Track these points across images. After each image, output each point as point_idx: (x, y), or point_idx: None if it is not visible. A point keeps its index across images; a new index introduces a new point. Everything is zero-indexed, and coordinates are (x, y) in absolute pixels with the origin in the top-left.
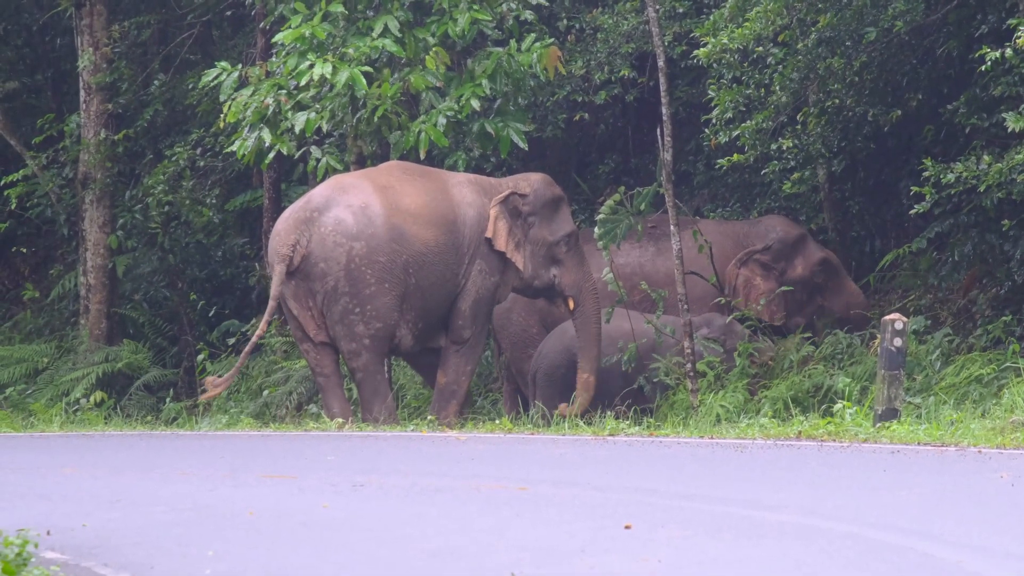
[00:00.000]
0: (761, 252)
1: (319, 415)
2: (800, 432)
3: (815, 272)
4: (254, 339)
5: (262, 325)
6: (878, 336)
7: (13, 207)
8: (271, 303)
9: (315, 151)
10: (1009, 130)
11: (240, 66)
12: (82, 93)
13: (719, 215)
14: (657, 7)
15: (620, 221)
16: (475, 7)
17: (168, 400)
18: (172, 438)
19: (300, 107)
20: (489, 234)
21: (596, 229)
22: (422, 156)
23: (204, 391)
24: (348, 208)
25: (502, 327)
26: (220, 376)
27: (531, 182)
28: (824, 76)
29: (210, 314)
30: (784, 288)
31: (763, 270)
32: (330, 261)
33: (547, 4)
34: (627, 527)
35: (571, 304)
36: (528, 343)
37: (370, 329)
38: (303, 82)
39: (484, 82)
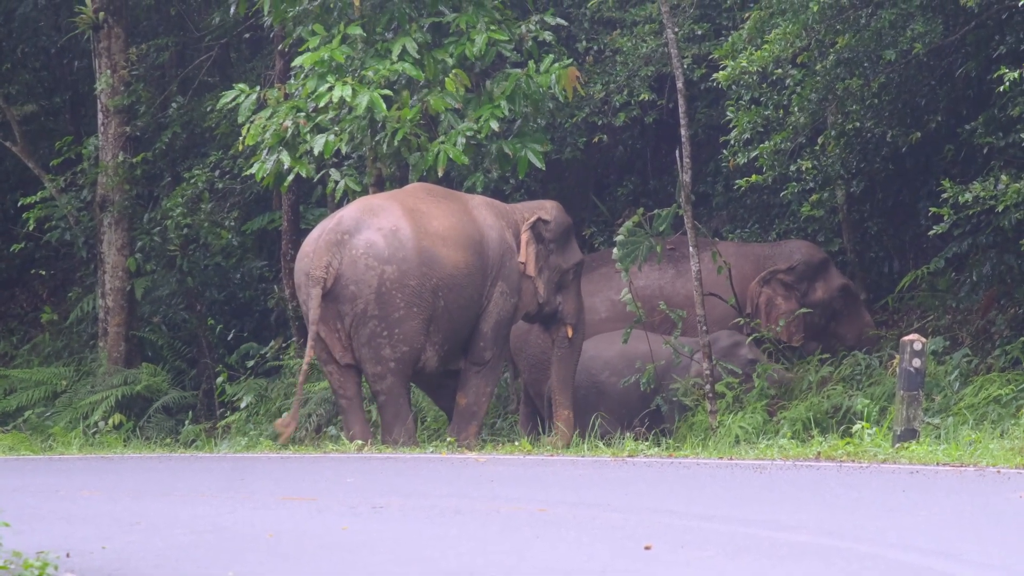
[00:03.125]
0: (785, 272)
1: (338, 437)
2: (819, 453)
3: (834, 297)
4: (305, 367)
5: (308, 352)
6: (897, 357)
7: (31, 229)
8: (312, 328)
9: (334, 173)
10: None
11: (258, 88)
12: (100, 116)
13: (738, 236)
14: (676, 29)
15: (640, 243)
16: (493, 27)
17: (187, 422)
18: (191, 460)
19: (319, 129)
20: (522, 258)
21: (615, 250)
22: (439, 174)
23: (278, 434)
24: (379, 231)
25: (520, 349)
26: (286, 415)
27: (549, 209)
28: (843, 97)
29: (229, 337)
30: (803, 310)
31: (785, 290)
32: (361, 284)
33: (566, 25)
34: (647, 548)
35: (569, 332)
36: (546, 365)
37: (396, 352)
38: (322, 104)
39: (503, 103)
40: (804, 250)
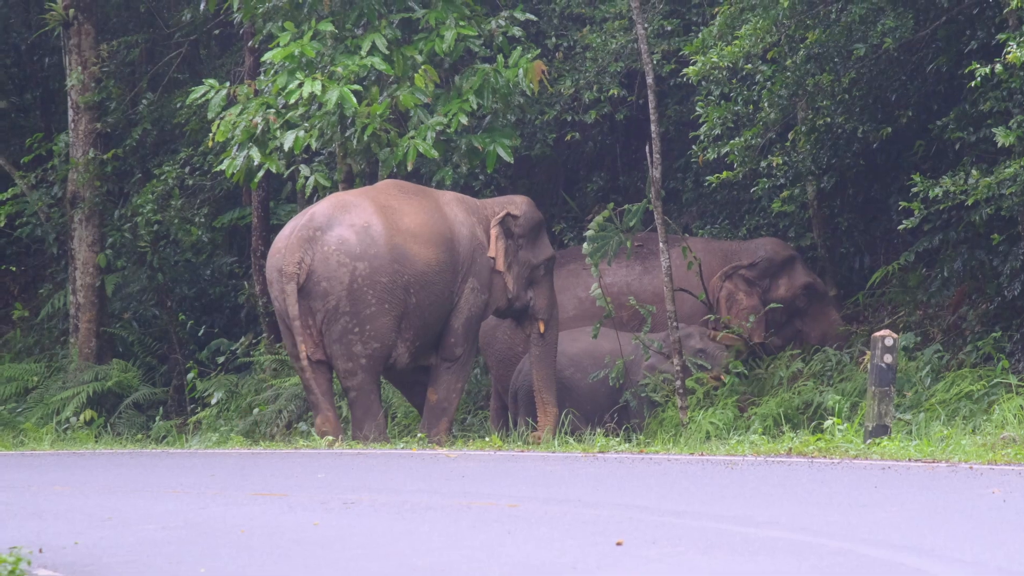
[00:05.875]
0: (747, 268)
1: (309, 433)
2: (791, 449)
3: (797, 295)
4: (304, 358)
5: (301, 347)
6: (868, 353)
7: (2, 226)
8: (295, 323)
9: (304, 169)
10: (998, 145)
11: (228, 84)
12: (70, 112)
13: (707, 232)
14: (645, 25)
15: (610, 238)
16: (462, 23)
17: (158, 418)
18: (162, 456)
19: (289, 125)
20: (492, 253)
21: (585, 245)
22: (409, 168)
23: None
24: (351, 227)
25: (488, 345)
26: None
27: (519, 204)
28: (813, 93)
29: (199, 332)
30: (773, 305)
31: (747, 286)
32: (333, 280)
33: (536, 21)
34: (618, 544)
35: (542, 327)
36: (513, 361)
37: (367, 349)
38: (292, 100)
39: (471, 98)
40: (769, 247)
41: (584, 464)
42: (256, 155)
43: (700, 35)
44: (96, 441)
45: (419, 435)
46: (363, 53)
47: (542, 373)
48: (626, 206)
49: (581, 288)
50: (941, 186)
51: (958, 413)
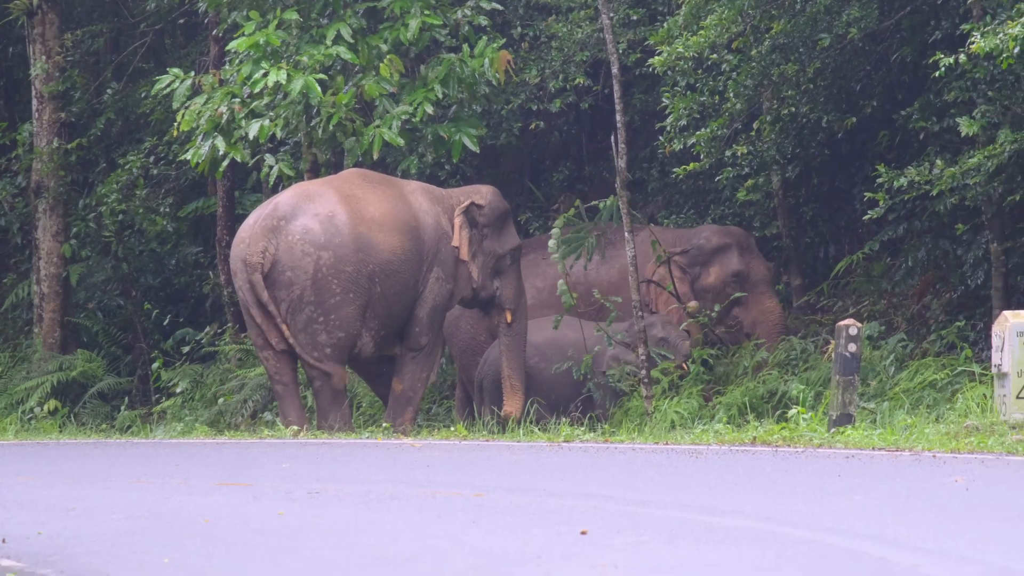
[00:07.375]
0: (679, 255)
1: (274, 423)
2: (755, 438)
3: (728, 283)
4: (292, 340)
5: (285, 330)
6: (832, 342)
7: None
8: (255, 311)
9: (269, 159)
10: (962, 135)
11: (193, 74)
12: (34, 102)
13: (673, 222)
14: (611, 15)
15: (583, 239)
16: (427, 12)
17: (123, 408)
18: (127, 446)
19: (254, 115)
20: (455, 243)
21: (551, 243)
22: (375, 157)
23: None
24: (315, 217)
25: (451, 335)
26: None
27: (484, 194)
28: (778, 83)
29: (164, 322)
30: (738, 295)
31: (680, 272)
32: (297, 270)
33: (501, 10)
34: (583, 533)
35: (508, 317)
36: (477, 351)
37: (332, 338)
38: (257, 90)
39: (437, 87)
40: (705, 234)
41: (549, 453)
42: (221, 144)
43: (666, 25)
44: (60, 431)
45: (384, 424)
46: (328, 42)
47: (512, 362)
48: (595, 202)
49: (539, 278)
50: (906, 176)
51: (922, 402)
